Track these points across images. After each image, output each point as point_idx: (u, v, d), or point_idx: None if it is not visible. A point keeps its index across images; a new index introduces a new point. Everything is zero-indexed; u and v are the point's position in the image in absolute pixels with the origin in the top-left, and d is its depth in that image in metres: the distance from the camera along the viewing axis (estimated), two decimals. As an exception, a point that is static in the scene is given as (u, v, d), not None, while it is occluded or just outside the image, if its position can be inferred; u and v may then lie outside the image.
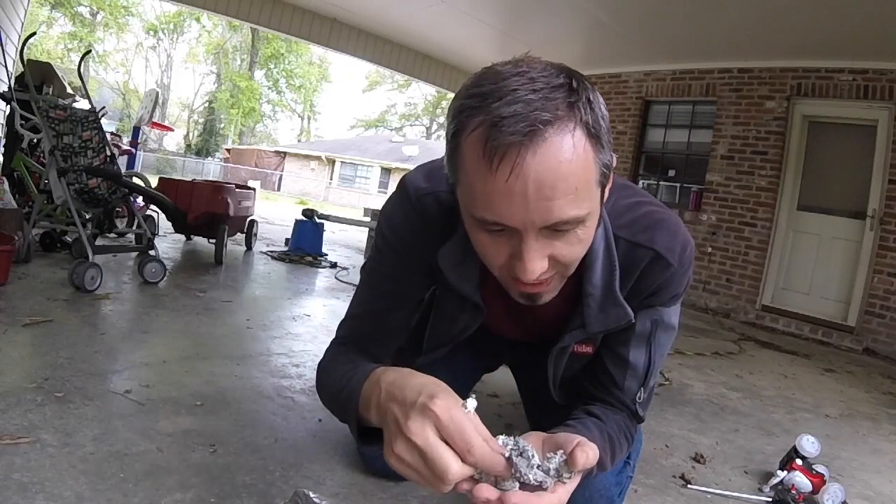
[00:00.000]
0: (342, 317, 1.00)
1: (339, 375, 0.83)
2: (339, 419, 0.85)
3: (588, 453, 0.62)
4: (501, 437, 0.63)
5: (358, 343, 0.95)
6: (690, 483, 1.38)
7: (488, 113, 0.62)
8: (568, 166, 0.62)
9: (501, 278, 0.75)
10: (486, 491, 0.58)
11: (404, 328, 0.99)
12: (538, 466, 0.62)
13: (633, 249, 0.84)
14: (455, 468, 0.57)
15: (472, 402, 0.60)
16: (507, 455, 0.59)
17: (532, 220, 0.63)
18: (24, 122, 2.99)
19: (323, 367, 0.93)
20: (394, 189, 0.94)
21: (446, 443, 0.58)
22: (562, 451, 0.64)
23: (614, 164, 0.71)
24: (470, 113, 0.64)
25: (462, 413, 0.58)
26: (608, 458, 0.82)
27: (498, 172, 0.62)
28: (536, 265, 0.67)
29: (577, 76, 0.66)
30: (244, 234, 4.45)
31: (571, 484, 0.64)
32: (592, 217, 0.69)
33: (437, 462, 0.57)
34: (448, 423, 0.57)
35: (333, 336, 0.99)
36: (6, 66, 4.06)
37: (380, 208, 0.99)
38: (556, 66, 0.66)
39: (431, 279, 0.94)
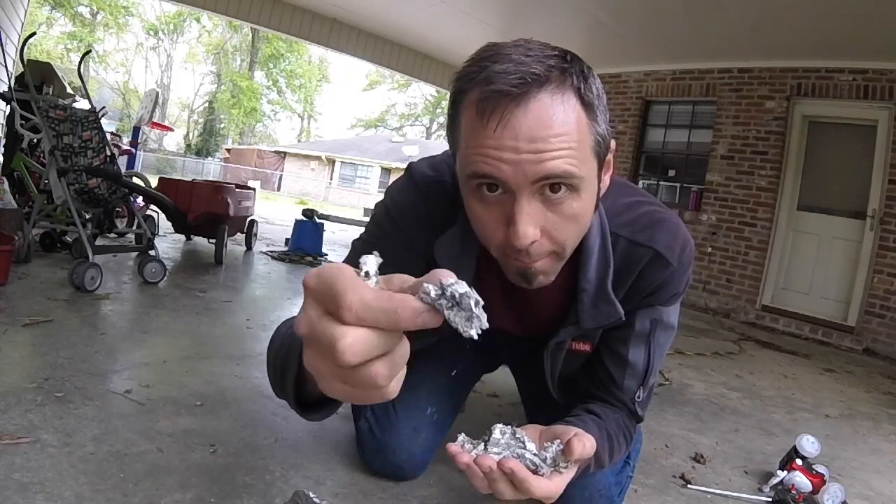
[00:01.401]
0: None
1: (288, 335, 0.72)
2: (277, 387, 0.73)
3: (585, 443, 0.63)
4: (498, 426, 0.64)
5: None
6: (690, 483, 1.38)
7: (484, 72, 0.65)
8: (560, 124, 0.64)
9: (499, 258, 0.75)
10: (487, 460, 0.60)
11: None
12: (534, 454, 0.63)
13: (632, 248, 0.85)
14: (344, 333, 0.36)
15: (369, 260, 0.39)
16: (428, 300, 0.37)
17: (523, 173, 0.64)
18: (24, 122, 2.99)
19: (276, 332, 0.80)
20: (401, 174, 0.95)
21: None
22: (558, 441, 0.64)
23: (612, 146, 0.72)
24: (467, 80, 0.67)
25: (340, 272, 0.38)
26: (607, 456, 0.82)
27: (489, 124, 0.64)
28: (529, 229, 0.67)
29: (573, 55, 0.68)
30: (244, 234, 4.45)
31: (568, 474, 0.64)
32: (588, 186, 0.69)
33: (322, 336, 0.37)
34: (315, 286, 0.39)
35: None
36: (6, 66, 4.06)
37: (385, 191, 0.98)
38: (553, 46, 0.69)
39: (427, 267, 0.94)
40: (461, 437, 0.66)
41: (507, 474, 0.59)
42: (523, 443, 0.64)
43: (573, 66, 0.66)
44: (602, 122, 0.69)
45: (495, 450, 0.63)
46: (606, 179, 0.74)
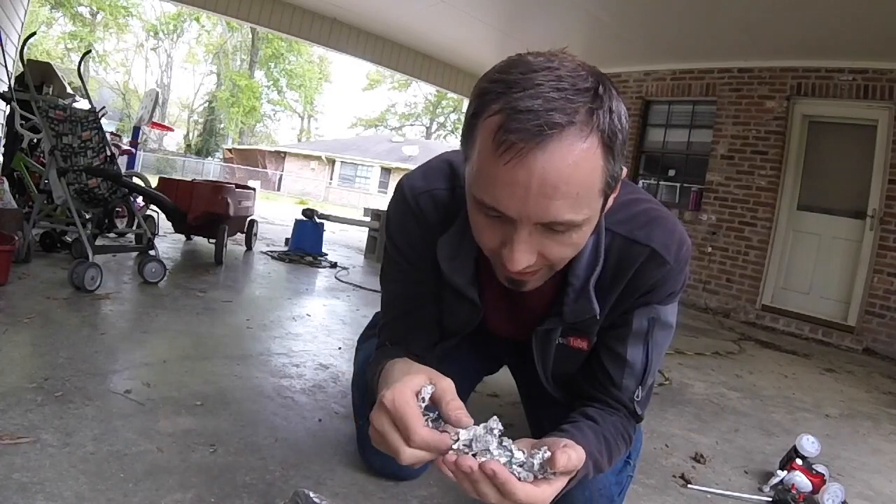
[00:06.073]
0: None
1: (370, 372, 0.95)
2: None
3: (570, 455, 0.63)
4: (483, 424, 0.65)
5: (401, 345, 0.98)
6: (690, 483, 1.38)
7: (508, 102, 0.62)
8: (574, 170, 0.62)
9: (491, 260, 0.76)
10: (468, 461, 0.62)
11: (437, 321, 1.01)
12: (521, 464, 0.63)
13: (629, 246, 0.85)
14: (405, 451, 0.65)
15: (427, 390, 0.67)
16: (454, 439, 0.63)
17: (528, 213, 0.64)
18: (24, 122, 2.98)
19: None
20: (392, 192, 0.96)
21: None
22: (546, 448, 0.64)
23: (623, 175, 0.71)
24: (492, 97, 0.65)
25: (408, 404, 0.65)
26: (604, 461, 0.82)
27: (504, 162, 0.63)
28: (523, 258, 0.68)
29: (606, 83, 0.65)
30: (244, 234, 4.45)
31: (557, 483, 0.64)
32: (589, 223, 0.70)
33: (389, 445, 0.66)
34: (393, 412, 0.66)
35: (377, 339, 1.05)
36: (6, 66, 4.06)
37: (385, 210, 1.03)
38: (588, 68, 0.66)
39: (439, 275, 0.96)
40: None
41: (489, 476, 0.60)
42: (510, 450, 0.64)
43: (603, 104, 0.63)
44: (618, 162, 0.67)
45: (478, 445, 0.63)
46: (610, 201, 0.73)
